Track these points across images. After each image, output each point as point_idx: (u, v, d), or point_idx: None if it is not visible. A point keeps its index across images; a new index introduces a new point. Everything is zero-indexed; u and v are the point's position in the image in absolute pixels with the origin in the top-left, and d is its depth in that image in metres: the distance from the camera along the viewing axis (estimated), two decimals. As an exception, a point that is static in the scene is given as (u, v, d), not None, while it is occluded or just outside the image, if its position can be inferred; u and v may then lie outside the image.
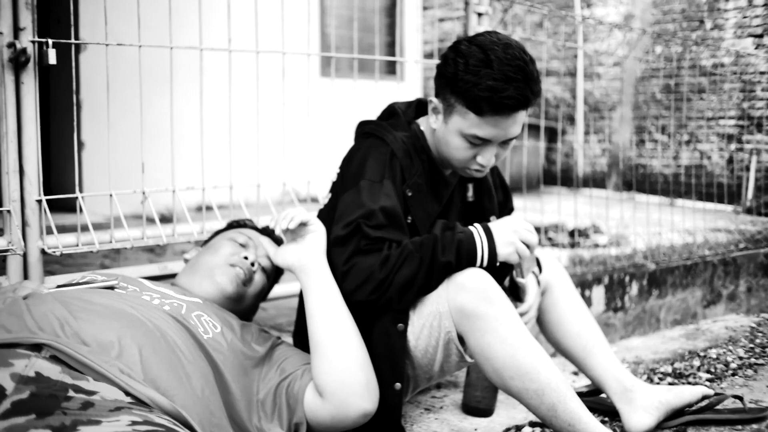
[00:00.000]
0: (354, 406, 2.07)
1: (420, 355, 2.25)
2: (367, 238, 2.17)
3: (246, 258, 2.42)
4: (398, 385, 2.21)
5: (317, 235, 2.26)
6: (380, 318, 2.21)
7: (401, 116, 2.47)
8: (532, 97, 2.21)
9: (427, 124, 2.43)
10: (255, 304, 2.52)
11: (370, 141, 2.38)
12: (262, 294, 2.53)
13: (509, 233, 2.23)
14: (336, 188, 2.41)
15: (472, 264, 2.20)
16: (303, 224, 2.23)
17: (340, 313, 2.15)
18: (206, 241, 2.60)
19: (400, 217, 2.24)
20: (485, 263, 2.21)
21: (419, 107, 2.54)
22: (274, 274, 2.59)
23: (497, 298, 2.13)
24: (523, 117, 2.27)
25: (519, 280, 2.36)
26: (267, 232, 2.62)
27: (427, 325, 2.21)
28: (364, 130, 2.46)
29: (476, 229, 2.23)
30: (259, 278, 2.46)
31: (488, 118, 2.19)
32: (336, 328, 2.12)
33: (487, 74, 2.16)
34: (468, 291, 2.14)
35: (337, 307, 2.16)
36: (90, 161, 6.25)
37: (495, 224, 2.26)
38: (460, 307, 2.15)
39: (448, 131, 2.29)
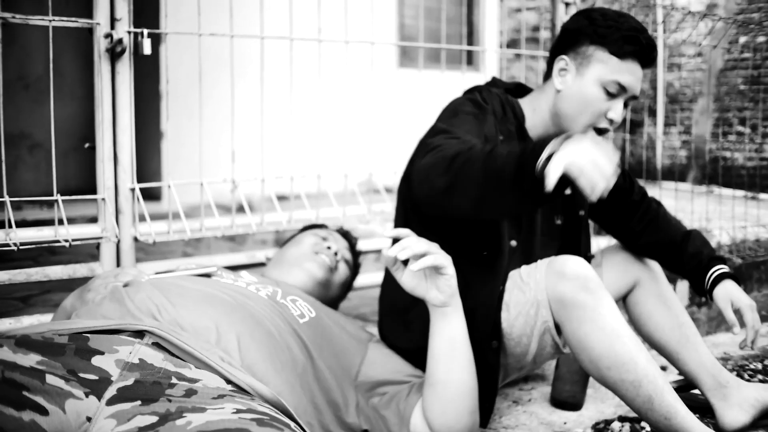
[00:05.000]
0: None
1: (513, 344, 2.23)
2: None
3: (329, 248, 2.46)
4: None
5: (453, 276, 1.97)
6: (474, 336, 2.13)
7: (500, 84, 2.52)
8: (656, 57, 2.36)
9: (533, 100, 2.44)
10: (340, 295, 2.55)
11: (464, 96, 2.41)
12: (346, 286, 2.57)
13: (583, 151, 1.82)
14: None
15: (528, 163, 1.79)
16: (436, 268, 1.92)
17: (467, 359, 2.03)
18: (285, 242, 2.64)
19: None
20: (540, 164, 1.79)
21: (519, 89, 2.55)
22: (354, 269, 2.63)
23: (597, 288, 2.10)
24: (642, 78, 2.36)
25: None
26: (342, 232, 2.67)
27: (523, 313, 2.20)
28: (465, 94, 2.46)
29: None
30: (343, 268, 2.52)
31: (629, 63, 2.28)
32: (459, 375, 2.01)
33: (626, 21, 2.30)
34: (568, 279, 2.11)
35: (463, 354, 2.02)
36: (169, 150, 6.34)
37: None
38: (560, 297, 2.13)
39: (585, 83, 2.30)
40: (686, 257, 2.51)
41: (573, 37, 2.36)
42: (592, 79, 2.30)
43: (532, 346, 2.22)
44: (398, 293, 2.25)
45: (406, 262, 1.92)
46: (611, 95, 2.29)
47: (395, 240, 1.90)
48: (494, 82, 2.53)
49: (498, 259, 2.24)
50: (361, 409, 2.07)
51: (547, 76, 2.44)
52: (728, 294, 2.39)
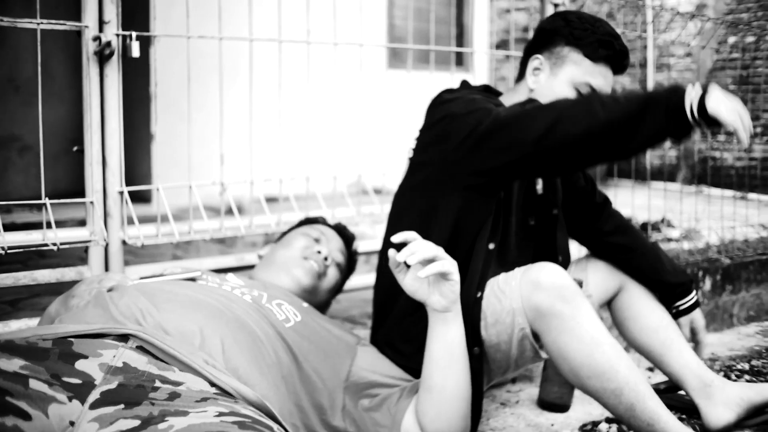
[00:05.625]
0: None
1: (493, 350, 2.23)
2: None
3: (319, 252, 2.44)
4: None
5: (458, 283, 1.96)
6: None
7: (468, 85, 2.53)
8: (628, 64, 2.43)
9: (505, 100, 2.45)
10: (328, 299, 2.54)
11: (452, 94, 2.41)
12: (336, 288, 2.55)
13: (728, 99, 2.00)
14: (418, 154, 2.39)
15: (677, 105, 1.96)
16: (443, 273, 1.90)
17: (463, 365, 2.02)
18: (279, 238, 2.63)
19: None
20: (694, 106, 1.95)
21: (486, 91, 2.55)
22: (348, 268, 2.61)
23: (573, 297, 2.09)
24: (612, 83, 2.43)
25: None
26: (339, 228, 2.65)
27: (500, 321, 2.19)
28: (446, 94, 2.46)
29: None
30: (332, 273, 2.49)
31: (601, 67, 2.37)
32: (455, 380, 2.00)
33: (602, 26, 2.39)
34: (543, 289, 2.10)
35: (461, 359, 2.01)
36: (158, 153, 6.33)
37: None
38: (535, 306, 2.12)
39: (557, 83, 2.38)
40: (667, 280, 2.60)
41: (549, 37, 2.42)
42: (565, 79, 2.37)
43: (512, 351, 2.22)
44: (393, 297, 2.27)
45: (408, 265, 1.90)
46: None
47: (394, 244, 1.90)
48: (465, 86, 2.54)
49: (471, 263, 2.24)
50: (348, 411, 2.07)
51: (521, 76, 2.49)
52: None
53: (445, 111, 2.30)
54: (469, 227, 2.25)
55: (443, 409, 1.99)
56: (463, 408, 2.02)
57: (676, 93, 1.96)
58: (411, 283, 1.92)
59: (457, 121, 2.22)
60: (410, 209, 2.36)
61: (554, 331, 2.10)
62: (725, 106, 1.92)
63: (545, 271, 2.13)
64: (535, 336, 2.18)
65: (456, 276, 1.90)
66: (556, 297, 2.09)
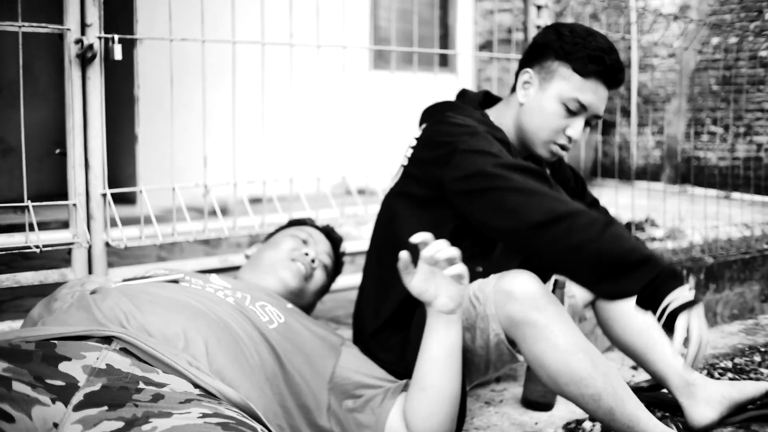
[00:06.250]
0: None
1: (470, 355, 2.24)
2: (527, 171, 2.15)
3: (307, 254, 2.44)
4: None
5: (464, 286, 2.00)
6: None
7: (471, 98, 2.50)
8: (623, 79, 2.37)
9: (498, 113, 2.44)
10: (314, 301, 2.54)
11: (453, 118, 2.35)
12: (322, 290, 2.55)
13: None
14: (414, 167, 2.37)
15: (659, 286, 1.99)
16: (459, 276, 1.93)
17: (459, 366, 2.06)
18: (267, 238, 2.63)
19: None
20: (675, 303, 1.97)
21: (486, 99, 2.55)
22: (334, 271, 2.61)
23: (547, 305, 2.08)
24: (606, 98, 2.38)
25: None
26: (327, 231, 2.65)
27: (475, 326, 2.20)
28: (437, 111, 2.44)
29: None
30: (319, 275, 2.49)
31: (591, 82, 2.30)
32: (450, 381, 2.03)
33: (594, 40, 2.32)
34: (516, 300, 2.09)
35: (458, 360, 2.05)
36: (143, 154, 6.30)
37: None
38: (509, 316, 2.11)
39: (546, 98, 2.33)
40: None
41: (540, 51, 2.38)
42: (553, 94, 2.32)
43: (490, 356, 2.22)
44: (373, 308, 2.29)
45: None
46: (571, 112, 2.31)
47: (409, 246, 1.93)
48: (464, 96, 2.53)
49: None
50: (333, 412, 2.08)
51: (514, 88, 2.46)
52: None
53: (449, 136, 2.26)
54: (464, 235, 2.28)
55: (437, 409, 2.01)
56: (455, 408, 2.04)
57: (673, 279, 1.98)
58: (419, 285, 1.95)
59: (462, 157, 2.19)
60: (403, 213, 2.36)
61: (530, 340, 2.10)
62: (698, 324, 1.97)
63: (518, 280, 2.12)
64: (513, 342, 2.19)
65: (467, 280, 1.95)
66: (530, 307, 2.08)
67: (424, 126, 2.43)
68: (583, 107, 2.31)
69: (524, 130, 2.38)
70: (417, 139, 2.40)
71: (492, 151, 2.17)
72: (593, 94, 2.31)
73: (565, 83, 2.31)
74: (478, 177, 2.14)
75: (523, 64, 2.43)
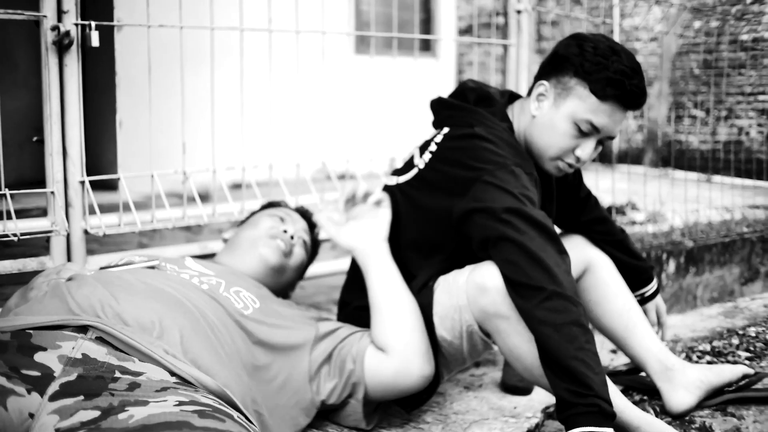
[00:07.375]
0: (418, 365, 2.14)
1: (446, 344, 2.25)
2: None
3: (285, 231, 2.46)
4: None
5: (383, 219, 2.32)
6: None
7: (499, 109, 2.41)
8: (642, 103, 2.28)
9: (518, 119, 2.39)
10: (294, 279, 2.56)
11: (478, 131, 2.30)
12: (302, 268, 2.57)
13: None
14: (431, 172, 2.34)
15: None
16: (376, 203, 2.32)
17: (404, 291, 2.23)
18: (242, 222, 2.63)
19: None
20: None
21: (510, 99, 2.49)
22: (312, 250, 2.63)
23: None
24: (622, 120, 2.30)
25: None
26: (302, 212, 2.66)
27: (448, 317, 2.21)
28: (463, 119, 2.37)
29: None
30: (298, 251, 2.51)
31: (607, 105, 2.22)
32: (400, 301, 2.20)
33: (617, 61, 2.20)
34: (488, 293, 2.11)
35: (400, 285, 2.23)
36: (124, 141, 6.29)
37: None
38: (483, 309, 2.13)
39: (558, 116, 2.26)
40: (633, 266, 2.68)
41: (559, 64, 2.29)
42: (567, 113, 2.25)
43: (464, 345, 2.24)
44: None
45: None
46: (583, 133, 2.25)
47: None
48: (488, 97, 2.46)
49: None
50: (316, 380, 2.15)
51: (530, 92, 2.38)
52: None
53: (477, 162, 2.21)
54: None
55: (400, 322, 2.17)
56: (419, 324, 2.20)
57: (590, 417, 1.88)
58: (346, 237, 2.34)
59: (483, 188, 2.15)
60: (406, 215, 2.37)
61: (503, 333, 2.13)
62: None
63: (490, 273, 2.12)
64: (487, 333, 2.20)
65: (386, 209, 2.34)
66: (502, 301, 2.10)
67: (446, 131, 2.38)
68: (595, 129, 2.24)
69: (533, 144, 2.34)
70: (438, 144, 2.36)
71: (514, 191, 2.11)
72: (608, 117, 2.24)
73: (581, 103, 2.22)
74: (488, 214, 2.11)
75: (541, 74, 2.35)
